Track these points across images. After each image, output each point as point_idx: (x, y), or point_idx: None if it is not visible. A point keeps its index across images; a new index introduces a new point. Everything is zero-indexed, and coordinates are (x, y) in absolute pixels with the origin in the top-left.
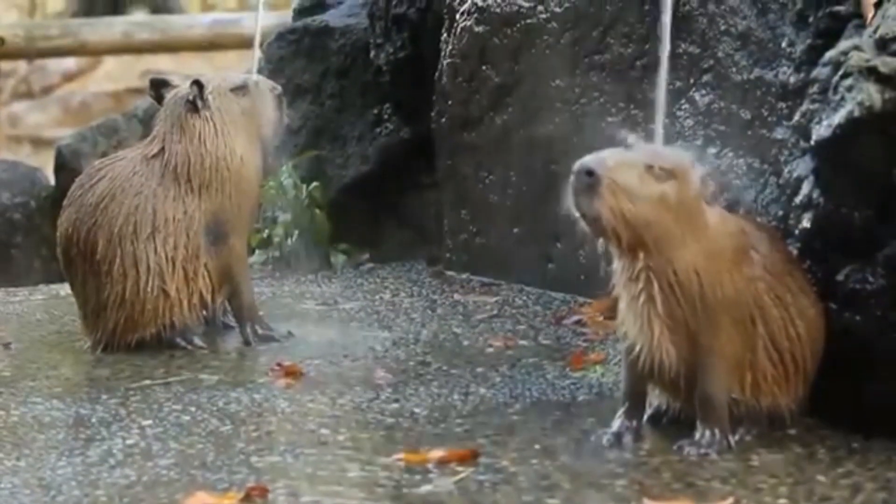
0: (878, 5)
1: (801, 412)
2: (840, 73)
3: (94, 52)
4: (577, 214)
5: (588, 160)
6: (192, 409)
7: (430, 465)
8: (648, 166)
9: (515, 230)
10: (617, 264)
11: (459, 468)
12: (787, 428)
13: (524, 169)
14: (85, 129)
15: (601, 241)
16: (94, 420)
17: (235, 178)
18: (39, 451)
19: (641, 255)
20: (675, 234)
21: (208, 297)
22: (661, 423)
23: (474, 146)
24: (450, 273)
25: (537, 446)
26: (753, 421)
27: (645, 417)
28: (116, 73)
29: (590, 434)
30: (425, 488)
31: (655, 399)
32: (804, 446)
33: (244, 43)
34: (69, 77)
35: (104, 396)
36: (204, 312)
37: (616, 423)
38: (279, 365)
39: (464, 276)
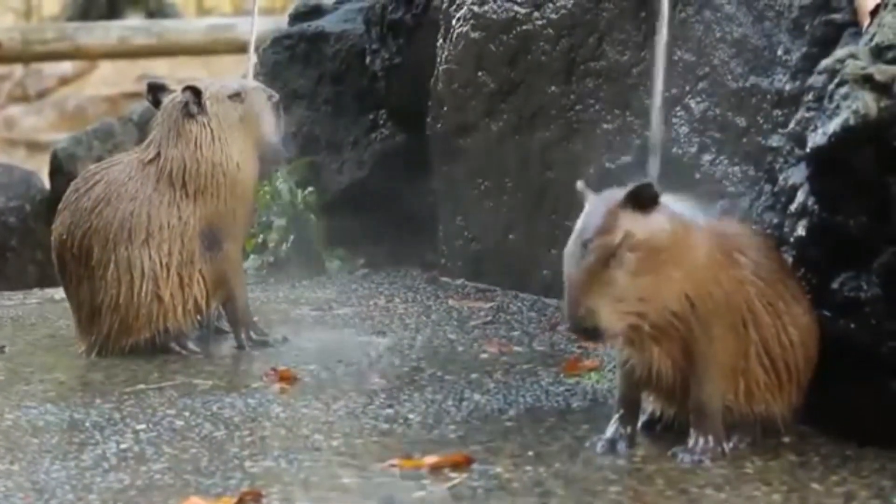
0: (874, 13)
1: (795, 420)
2: (836, 81)
3: (90, 56)
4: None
5: (572, 320)
6: (186, 413)
7: (423, 472)
8: (602, 262)
9: (510, 236)
10: None
11: (453, 474)
12: (781, 436)
13: (519, 175)
14: (80, 133)
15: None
16: (87, 424)
17: (231, 184)
18: (33, 454)
19: (646, 324)
20: (661, 279)
21: (203, 303)
22: (655, 431)
23: (469, 152)
24: (444, 279)
25: (531, 453)
26: (747, 428)
27: (639, 424)
28: (112, 78)
29: (584, 441)
30: (419, 494)
31: (649, 406)
32: (798, 454)
33: (240, 48)
34: (65, 81)
35: (98, 401)
36: (198, 317)
37: (610, 430)
38: (273, 370)
39: (458, 282)
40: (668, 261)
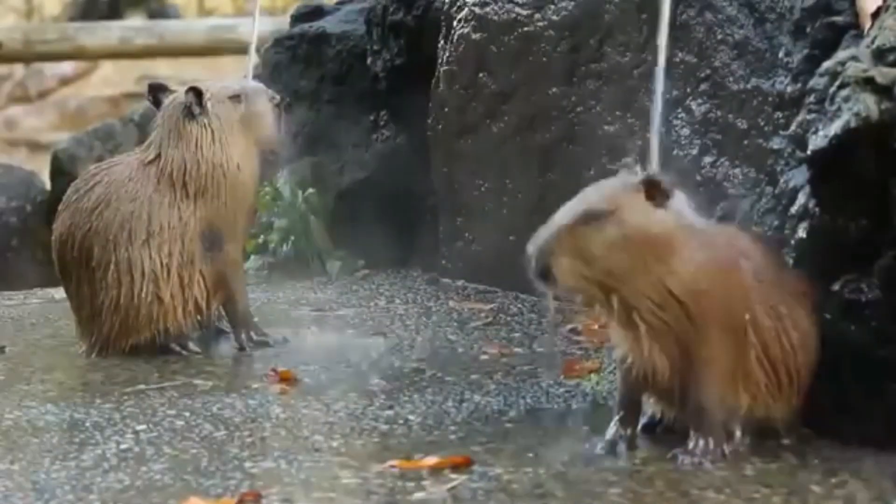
0: (875, 16)
1: (796, 422)
2: (837, 83)
3: (91, 57)
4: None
5: (530, 252)
6: (187, 414)
7: (423, 473)
8: (583, 220)
9: (511, 238)
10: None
11: (453, 475)
12: (781, 438)
13: (520, 177)
14: (81, 133)
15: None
16: (88, 424)
17: (231, 185)
18: (33, 454)
19: (614, 297)
20: (636, 265)
21: (203, 303)
22: (655, 432)
23: (470, 154)
24: (445, 280)
25: (531, 454)
26: (747, 431)
27: (639, 426)
28: (113, 78)
29: (584, 442)
30: (419, 495)
31: (650, 408)
32: (798, 456)
33: (241, 48)
34: (66, 81)
35: (98, 401)
36: (199, 318)
37: (610, 432)
38: (274, 371)
39: (459, 283)
40: (651, 253)
